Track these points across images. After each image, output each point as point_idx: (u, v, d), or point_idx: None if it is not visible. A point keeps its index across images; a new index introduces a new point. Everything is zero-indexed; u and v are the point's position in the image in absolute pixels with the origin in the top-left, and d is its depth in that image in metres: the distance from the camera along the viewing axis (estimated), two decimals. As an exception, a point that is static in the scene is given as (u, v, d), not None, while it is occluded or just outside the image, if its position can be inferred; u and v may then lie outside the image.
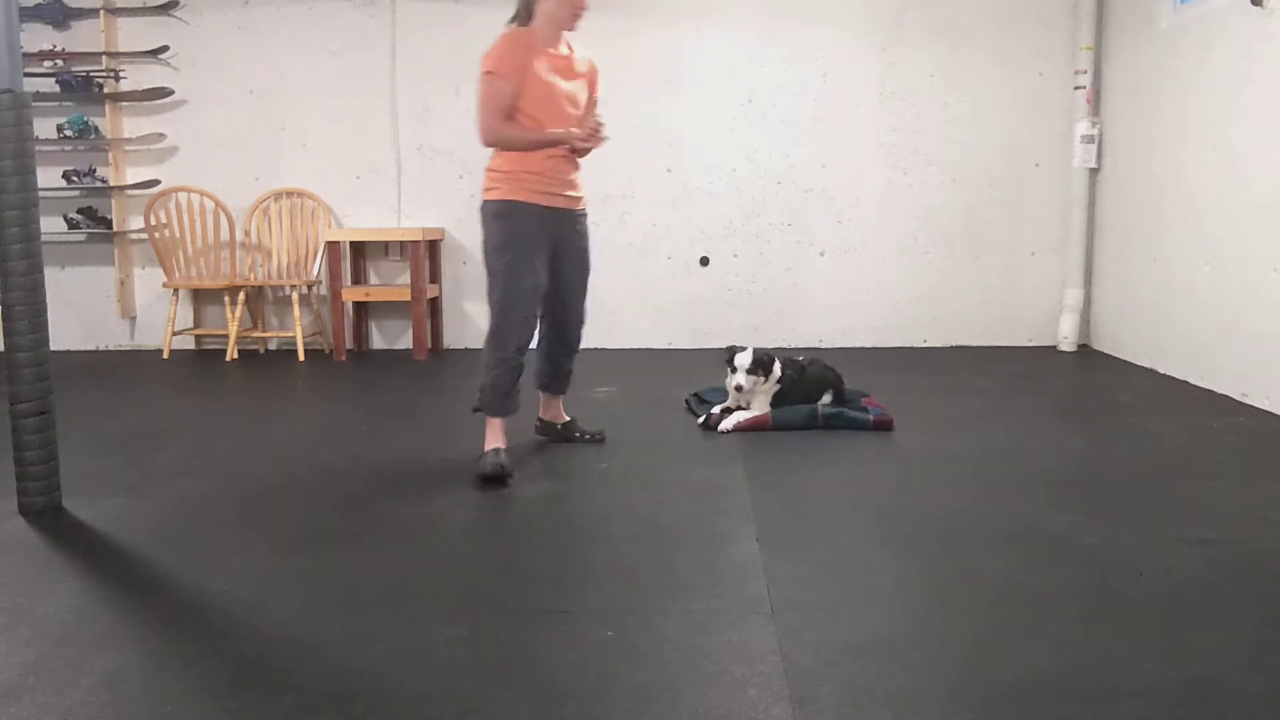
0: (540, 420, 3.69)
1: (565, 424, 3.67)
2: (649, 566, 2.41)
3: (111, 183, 5.92)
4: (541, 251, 3.26)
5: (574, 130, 3.25)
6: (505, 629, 2.06)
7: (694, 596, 2.22)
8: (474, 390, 3.49)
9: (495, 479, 3.10)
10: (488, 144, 3.22)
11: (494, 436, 3.29)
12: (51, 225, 5.80)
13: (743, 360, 3.84)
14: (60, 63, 5.83)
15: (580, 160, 3.39)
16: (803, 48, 5.82)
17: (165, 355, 5.79)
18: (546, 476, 3.24)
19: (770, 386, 3.91)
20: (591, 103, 3.48)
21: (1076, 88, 5.70)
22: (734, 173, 5.90)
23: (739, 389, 3.84)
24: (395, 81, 5.92)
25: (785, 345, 5.67)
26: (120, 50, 5.90)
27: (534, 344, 3.42)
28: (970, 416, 4.09)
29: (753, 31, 5.82)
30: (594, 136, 3.28)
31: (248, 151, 5.99)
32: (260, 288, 6.06)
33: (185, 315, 6.09)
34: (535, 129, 3.21)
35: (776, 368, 3.93)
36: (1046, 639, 2.00)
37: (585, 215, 3.45)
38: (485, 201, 3.27)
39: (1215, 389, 4.46)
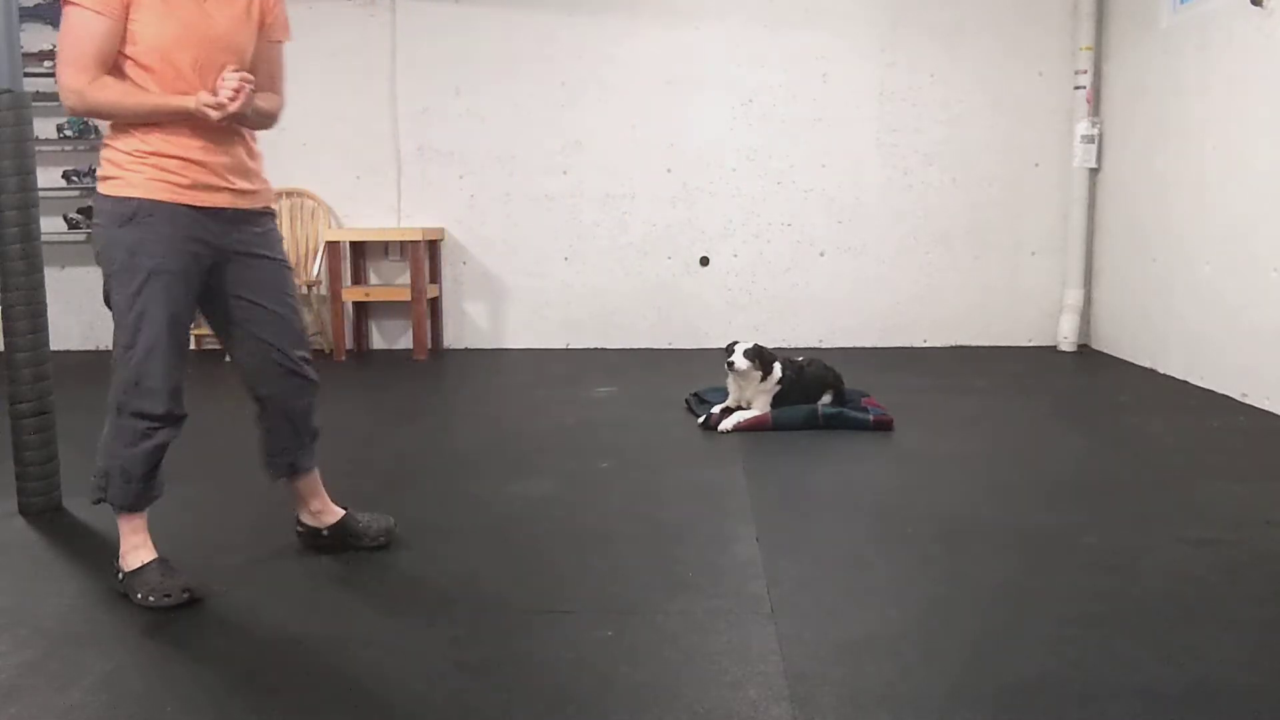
0: (303, 525, 2.56)
1: (337, 524, 2.55)
2: (649, 566, 2.41)
3: (111, 183, 5.91)
4: (191, 274, 2.22)
5: (206, 95, 2.11)
6: (505, 629, 2.06)
7: (694, 596, 2.22)
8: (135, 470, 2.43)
9: (184, 605, 2.17)
10: (68, 105, 2.11)
11: (140, 542, 2.29)
12: (51, 225, 5.79)
13: (740, 348, 3.87)
14: (60, 63, 5.83)
15: (254, 135, 2.40)
16: (803, 48, 5.82)
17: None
18: (546, 476, 3.24)
19: (770, 387, 3.91)
20: (269, 45, 2.38)
21: (1076, 88, 5.69)
22: (734, 173, 5.90)
23: (731, 365, 3.84)
24: (395, 81, 5.92)
25: (785, 345, 5.67)
26: (120, 50, 5.89)
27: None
28: (970, 416, 4.09)
29: (753, 31, 5.82)
30: (235, 98, 2.12)
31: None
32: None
33: (185, 315, 6.08)
34: (146, 91, 2.12)
35: (777, 368, 3.93)
36: (1046, 639, 2.00)
37: (271, 215, 2.46)
38: (100, 197, 2.18)
39: (1215, 389, 4.46)
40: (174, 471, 3.31)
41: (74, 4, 2.04)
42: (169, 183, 2.15)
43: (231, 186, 2.27)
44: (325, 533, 2.54)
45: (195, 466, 3.38)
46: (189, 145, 2.16)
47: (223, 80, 2.13)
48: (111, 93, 2.08)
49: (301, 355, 2.40)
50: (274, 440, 2.46)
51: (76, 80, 2.06)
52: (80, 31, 2.05)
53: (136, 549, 2.26)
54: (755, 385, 3.89)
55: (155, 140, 2.14)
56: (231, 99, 2.11)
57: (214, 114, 2.11)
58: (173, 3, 2.12)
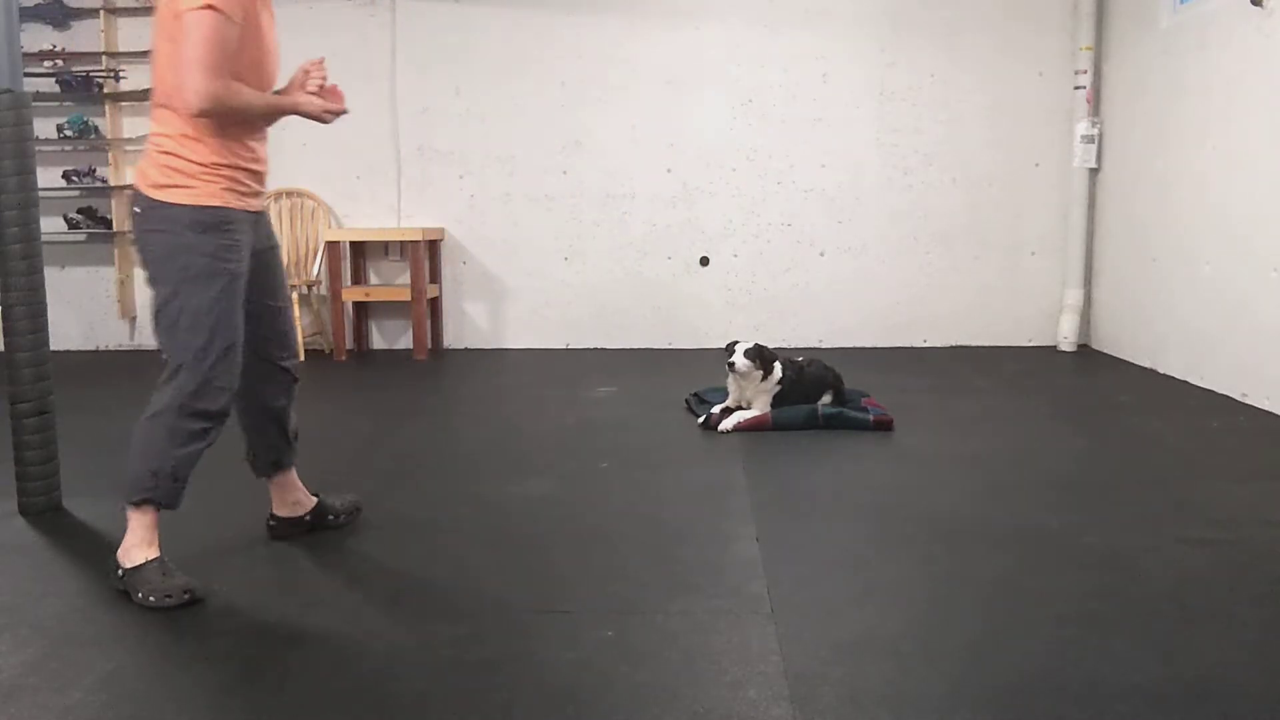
0: (278, 518, 2.61)
1: (315, 508, 2.65)
2: (649, 566, 2.41)
3: (111, 183, 5.91)
4: (245, 278, 2.33)
5: (313, 98, 2.36)
6: (505, 629, 2.06)
7: (694, 596, 2.22)
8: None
9: (190, 604, 2.18)
10: (204, 109, 2.15)
11: (150, 539, 2.26)
12: (51, 225, 5.79)
13: (740, 348, 3.87)
14: (60, 63, 5.83)
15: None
16: (803, 48, 5.82)
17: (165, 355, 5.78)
18: (546, 476, 3.24)
19: (771, 387, 3.91)
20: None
21: (1076, 88, 5.70)
22: (734, 173, 5.90)
23: (731, 366, 3.85)
24: (395, 81, 5.92)
25: (785, 345, 5.67)
26: (120, 50, 5.90)
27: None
28: (970, 416, 4.09)
29: (753, 31, 5.82)
30: (338, 101, 2.43)
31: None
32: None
33: (185, 315, 6.08)
34: (265, 95, 2.33)
35: (777, 368, 3.93)
36: (1046, 639, 2.00)
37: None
38: (164, 206, 2.19)
39: (1215, 389, 4.46)
40: (174, 471, 3.32)
41: (215, 9, 2.09)
42: (238, 192, 2.29)
43: (264, 191, 2.45)
44: (307, 518, 2.64)
45: (195, 465, 3.38)
46: (249, 157, 2.32)
47: (321, 88, 2.40)
48: (245, 96, 2.21)
49: (293, 351, 2.55)
50: (261, 441, 2.55)
51: (214, 84, 2.13)
52: (217, 37, 2.12)
53: (143, 545, 2.24)
54: (755, 385, 3.90)
55: (227, 153, 2.25)
56: (336, 100, 2.41)
57: (331, 118, 2.41)
58: (265, 20, 2.31)
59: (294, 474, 2.62)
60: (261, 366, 2.45)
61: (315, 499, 2.66)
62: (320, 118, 2.41)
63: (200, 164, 2.21)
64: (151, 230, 2.23)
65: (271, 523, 2.63)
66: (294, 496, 2.63)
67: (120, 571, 2.24)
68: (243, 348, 2.36)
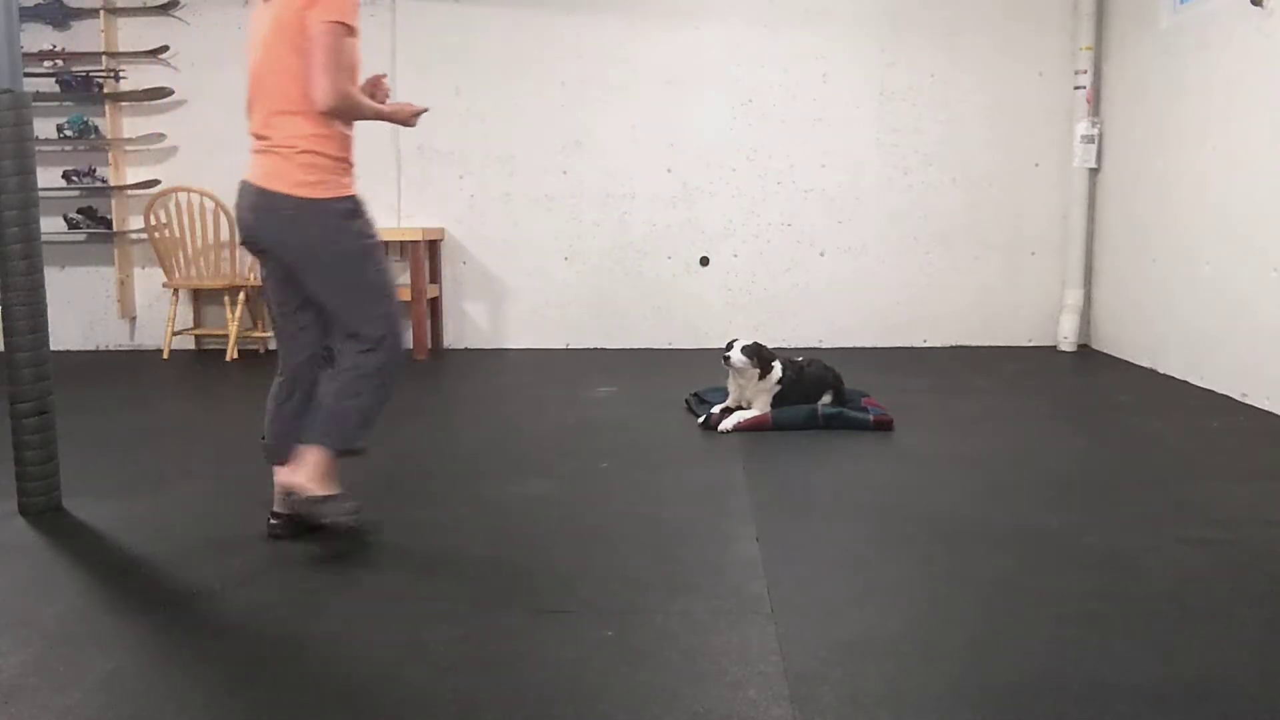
0: (280, 515, 2.63)
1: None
2: (649, 566, 2.41)
3: (111, 183, 5.91)
4: None
5: (403, 107, 2.65)
6: (505, 629, 2.06)
7: (694, 596, 2.22)
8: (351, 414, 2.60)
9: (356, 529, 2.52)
10: (333, 108, 2.41)
11: (332, 474, 2.52)
12: (51, 225, 5.79)
13: (738, 345, 3.89)
14: (60, 63, 5.84)
15: None
16: (803, 48, 5.82)
17: (165, 355, 5.79)
18: (546, 476, 3.24)
19: (770, 386, 3.91)
20: None
21: (1076, 88, 5.70)
22: (734, 173, 5.90)
23: (727, 360, 3.86)
24: (395, 81, 5.92)
25: (785, 345, 5.67)
26: (120, 50, 5.90)
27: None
28: (970, 416, 4.09)
29: (753, 31, 5.82)
30: (413, 107, 2.68)
31: (248, 151, 5.97)
32: (260, 288, 6.05)
33: (185, 315, 6.09)
34: (372, 101, 2.57)
35: (777, 368, 3.93)
36: (1046, 639, 2.00)
37: None
38: (321, 201, 2.45)
39: (1215, 389, 4.46)
40: (174, 471, 3.32)
41: (343, 24, 2.40)
42: (352, 180, 2.57)
43: None
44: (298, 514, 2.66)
45: (195, 466, 3.38)
46: (351, 153, 2.58)
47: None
48: (360, 98, 2.51)
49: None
50: (296, 421, 2.61)
51: (349, 87, 2.45)
52: (350, 49, 2.44)
53: (328, 480, 2.53)
54: (755, 384, 3.90)
55: (345, 149, 2.53)
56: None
57: (415, 122, 2.68)
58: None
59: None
60: (319, 350, 2.64)
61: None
62: (407, 122, 2.67)
63: (333, 158, 2.49)
64: (310, 225, 2.47)
65: (273, 521, 2.64)
66: (307, 480, 2.58)
67: (307, 499, 2.49)
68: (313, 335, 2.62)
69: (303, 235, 2.47)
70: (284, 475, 2.56)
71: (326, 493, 2.51)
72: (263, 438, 2.66)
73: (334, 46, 2.38)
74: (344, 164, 2.52)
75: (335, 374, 2.56)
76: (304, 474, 2.49)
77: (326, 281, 2.51)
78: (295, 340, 2.61)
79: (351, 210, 2.51)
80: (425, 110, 2.67)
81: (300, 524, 2.62)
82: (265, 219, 2.49)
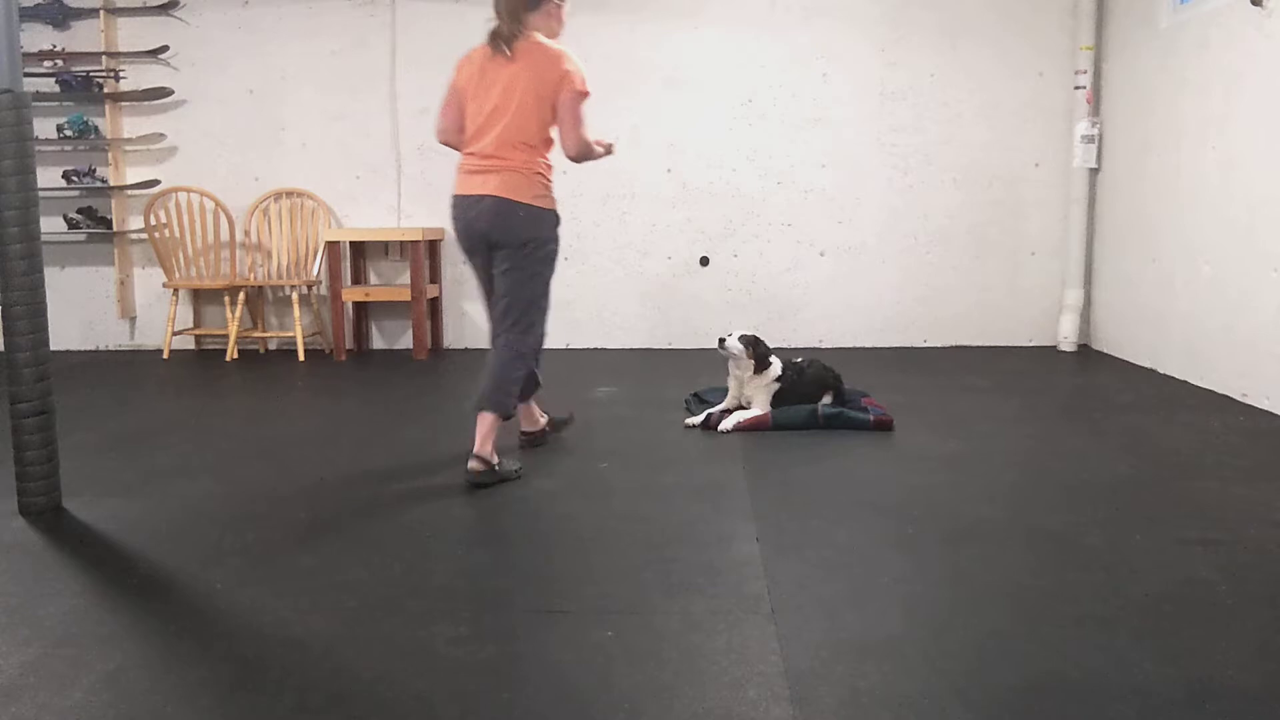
0: (526, 433, 3.61)
1: (550, 422, 3.68)
2: (649, 566, 2.41)
3: (111, 183, 5.92)
4: None
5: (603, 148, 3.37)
6: (505, 629, 2.06)
7: (694, 596, 2.22)
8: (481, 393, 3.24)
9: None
10: (578, 156, 3.23)
11: (495, 439, 3.21)
12: (51, 225, 5.80)
13: (735, 333, 3.93)
14: (60, 63, 5.84)
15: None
16: (803, 48, 5.82)
17: (165, 355, 5.79)
18: (546, 476, 3.24)
19: (769, 383, 3.91)
20: None
21: (1076, 88, 5.70)
22: (734, 173, 5.90)
23: (722, 343, 3.89)
24: (395, 81, 5.93)
25: (785, 345, 5.67)
26: (120, 50, 5.90)
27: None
28: (970, 416, 4.09)
29: (753, 31, 5.82)
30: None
31: (248, 151, 5.99)
32: (260, 288, 6.06)
33: (185, 315, 6.09)
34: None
35: (776, 364, 3.93)
36: (1046, 639, 2.00)
37: None
38: (546, 210, 3.21)
39: (1215, 389, 4.46)
40: (175, 470, 3.32)
41: (588, 95, 3.18)
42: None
43: None
44: (548, 429, 3.65)
45: (195, 466, 3.38)
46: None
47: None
48: (597, 147, 3.26)
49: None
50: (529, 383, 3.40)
51: (589, 139, 3.21)
52: (584, 111, 3.20)
53: (494, 442, 3.18)
54: (752, 380, 3.90)
55: (552, 177, 3.26)
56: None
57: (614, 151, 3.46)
58: None
59: (531, 406, 3.54)
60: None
61: (546, 415, 3.63)
62: (610, 151, 3.39)
63: (550, 182, 3.25)
64: (539, 224, 3.20)
65: (522, 436, 3.57)
66: (533, 416, 3.58)
67: (480, 460, 3.12)
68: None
69: (530, 232, 3.18)
70: (524, 409, 3.49)
71: (491, 456, 3.16)
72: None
73: (579, 112, 3.18)
74: (552, 186, 3.25)
75: (493, 354, 3.24)
76: (480, 441, 3.15)
77: (522, 270, 3.19)
78: None
79: (559, 221, 3.28)
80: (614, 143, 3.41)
81: (543, 437, 3.60)
82: (504, 221, 3.16)
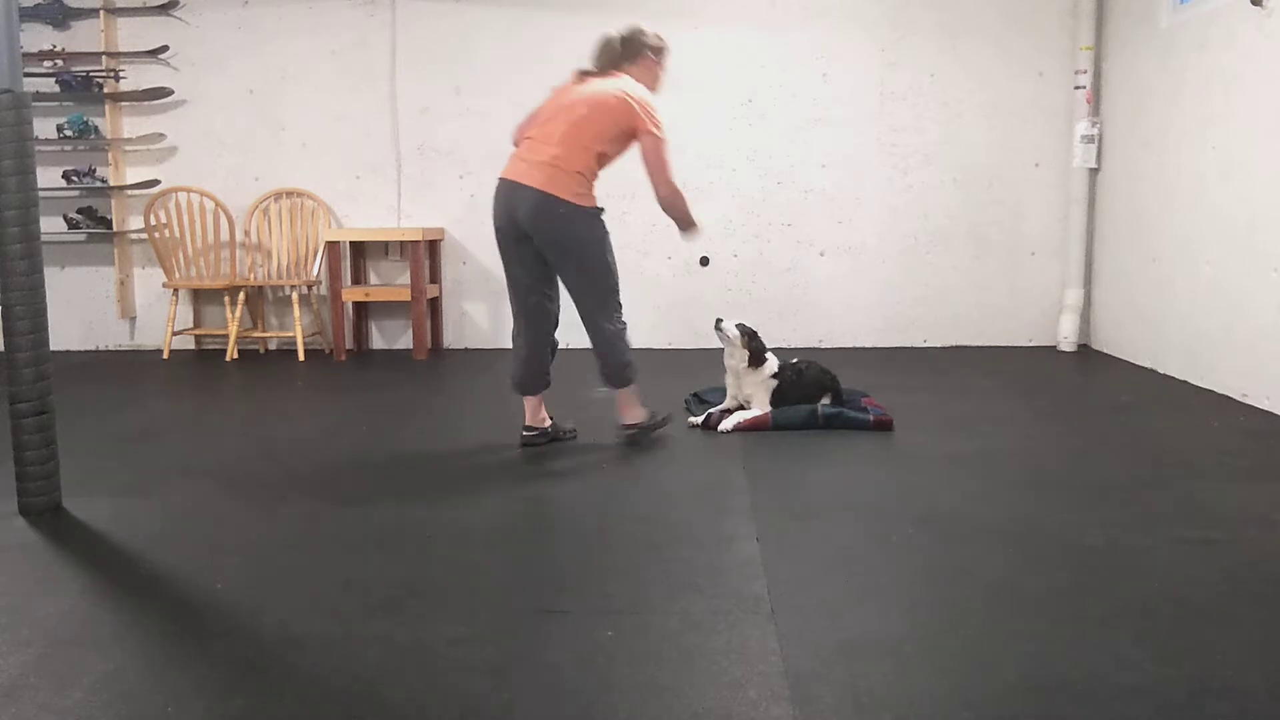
0: (531, 428, 3.63)
1: (552, 426, 3.68)
2: (649, 566, 2.41)
3: (111, 183, 5.92)
4: None
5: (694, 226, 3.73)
6: (505, 629, 2.06)
7: (694, 596, 2.22)
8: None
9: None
10: (666, 199, 3.50)
11: (639, 401, 3.65)
12: (51, 225, 5.79)
13: (731, 321, 3.98)
14: (60, 63, 5.84)
15: None
16: (803, 48, 5.82)
17: (165, 355, 5.79)
18: (546, 476, 3.24)
19: (766, 380, 3.91)
20: None
21: (1076, 88, 5.70)
22: (734, 173, 5.90)
23: (719, 325, 3.95)
24: (395, 81, 5.92)
25: (785, 345, 5.67)
26: (120, 50, 5.90)
27: (527, 344, 3.57)
28: (970, 416, 4.09)
29: (753, 31, 5.82)
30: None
31: (248, 151, 5.99)
32: (260, 288, 6.06)
33: (185, 315, 6.09)
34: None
35: (772, 360, 3.95)
36: (1046, 639, 2.00)
37: None
38: (585, 208, 3.38)
39: (1215, 389, 4.46)
40: (175, 470, 3.32)
41: (665, 141, 3.43)
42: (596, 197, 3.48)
43: None
44: (549, 430, 3.64)
45: (195, 466, 3.38)
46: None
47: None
48: (685, 200, 3.58)
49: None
50: (540, 364, 3.59)
51: (677, 185, 3.51)
52: (667, 152, 3.45)
53: (638, 406, 3.63)
54: (749, 376, 3.90)
55: (595, 180, 3.45)
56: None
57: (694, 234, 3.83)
58: None
59: (541, 398, 3.62)
60: (553, 309, 3.58)
61: (551, 420, 3.65)
62: (691, 229, 3.71)
63: (591, 185, 3.43)
64: (580, 220, 3.38)
65: (525, 434, 3.59)
66: (541, 414, 3.61)
67: (630, 426, 3.61)
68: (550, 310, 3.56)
69: (573, 227, 3.36)
70: (532, 404, 3.59)
71: (638, 419, 3.61)
72: (511, 377, 3.61)
73: (663, 155, 3.42)
74: (593, 189, 3.43)
75: (597, 342, 3.53)
76: (625, 411, 3.61)
77: (583, 256, 3.42)
78: (538, 309, 3.51)
79: (600, 214, 3.43)
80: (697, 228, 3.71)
81: (548, 437, 3.61)
82: (544, 218, 3.33)
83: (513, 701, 1.76)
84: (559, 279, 3.51)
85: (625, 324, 3.56)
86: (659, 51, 3.63)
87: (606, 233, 3.46)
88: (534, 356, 3.55)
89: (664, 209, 3.52)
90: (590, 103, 3.38)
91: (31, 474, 2.83)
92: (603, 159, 3.40)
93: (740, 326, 3.92)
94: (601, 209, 3.44)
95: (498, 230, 3.45)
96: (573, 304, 3.51)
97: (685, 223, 3.60)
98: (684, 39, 5.84)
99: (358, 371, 5.37)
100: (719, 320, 3.96)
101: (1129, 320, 5.40)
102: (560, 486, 3.13)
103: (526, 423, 3.60)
